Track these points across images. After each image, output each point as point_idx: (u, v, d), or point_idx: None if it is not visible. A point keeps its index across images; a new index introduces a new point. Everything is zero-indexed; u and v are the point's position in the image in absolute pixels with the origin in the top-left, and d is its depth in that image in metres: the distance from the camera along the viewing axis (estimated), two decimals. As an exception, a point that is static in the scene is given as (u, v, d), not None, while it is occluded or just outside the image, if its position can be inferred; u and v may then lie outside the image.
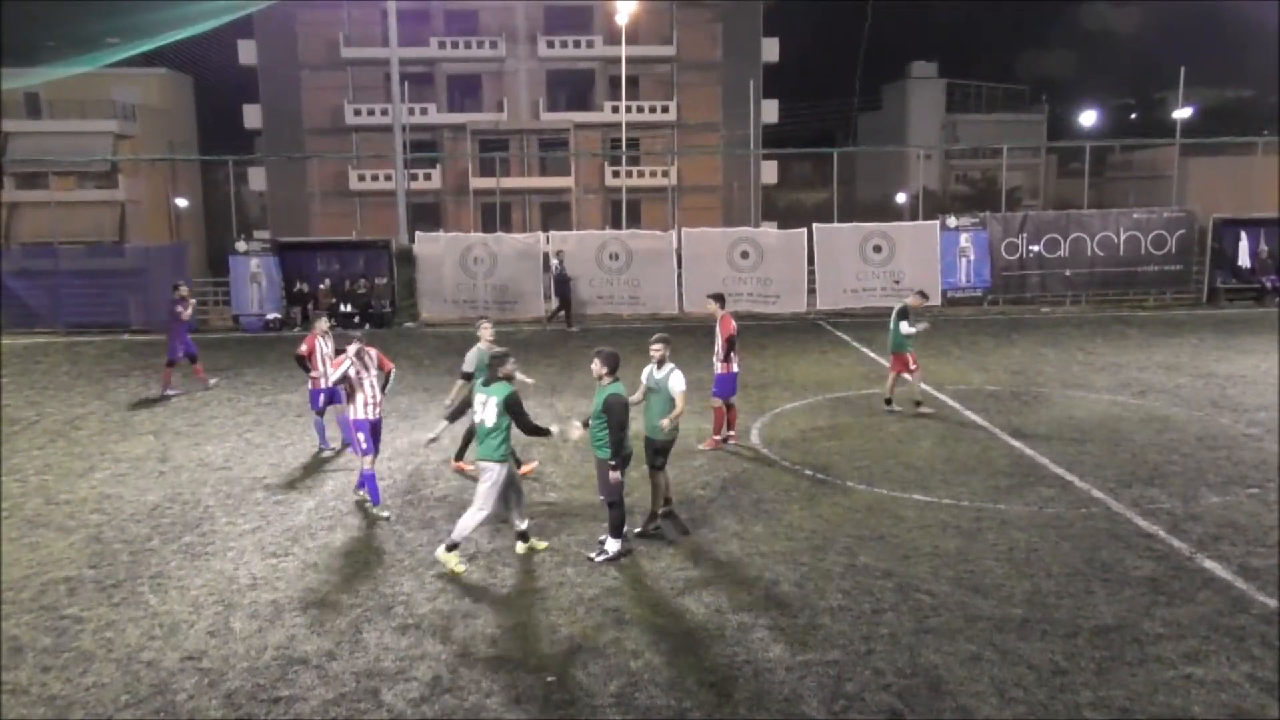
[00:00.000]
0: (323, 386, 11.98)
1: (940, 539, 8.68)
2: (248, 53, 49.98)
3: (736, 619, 7.15)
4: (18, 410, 15.21)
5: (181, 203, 53.24)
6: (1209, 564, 7.95)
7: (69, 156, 45.03)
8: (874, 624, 7.00)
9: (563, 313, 24.59)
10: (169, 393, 16.06)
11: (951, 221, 26.28)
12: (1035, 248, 25.95)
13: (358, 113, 49.78)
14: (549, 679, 6.32)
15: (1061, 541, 8.55)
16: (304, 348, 12.15)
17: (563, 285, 24.57)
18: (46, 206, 41.83)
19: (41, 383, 17.63)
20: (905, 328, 13.56)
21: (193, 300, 17.24)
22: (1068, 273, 26.07)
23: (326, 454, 12.17)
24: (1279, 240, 25.99)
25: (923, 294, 14.57)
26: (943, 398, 14.76)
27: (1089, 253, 25.97)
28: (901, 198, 52.89)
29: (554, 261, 24.85)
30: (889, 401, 13.97)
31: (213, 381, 16.87)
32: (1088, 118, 56.40)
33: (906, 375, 13.75)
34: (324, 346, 11.99)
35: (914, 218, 30.24)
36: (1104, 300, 26.48)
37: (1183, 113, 35.72)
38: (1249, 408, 13.58)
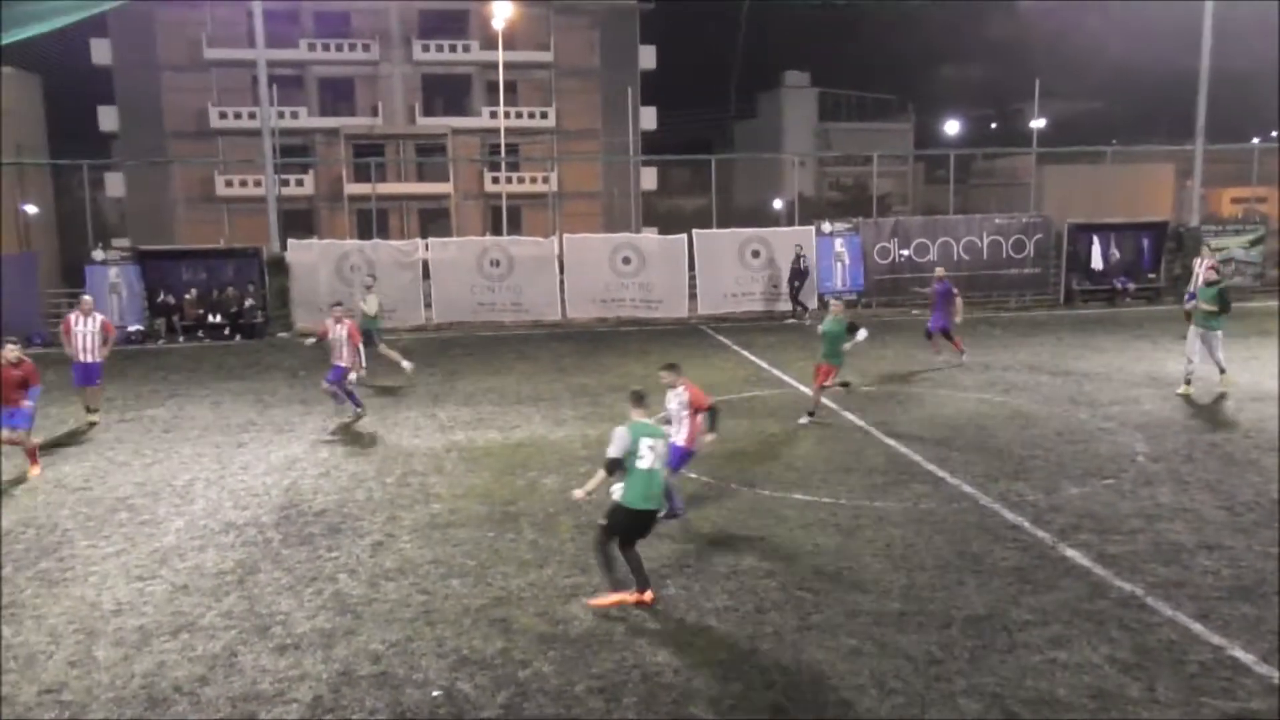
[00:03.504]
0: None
1: (821, 537, 8.91)
2: (101, 52, 47.45)
3: (624, 624, 7.17)
4: None
5: (31, 210, 50.11)
6: (1070, 552, 8.39)
7: (-103, 160, 41.83)
8: (758, 623, 7.12)
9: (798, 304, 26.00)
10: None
11: (826, 227, 27.04)
12: (906, 252, 26.92)
13: (223, 116, 47.95)
14: (435, 694, 6.20)
15: (935, 535, 8.88)
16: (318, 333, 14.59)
17: (801, 276, 25.71)
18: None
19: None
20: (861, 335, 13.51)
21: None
22: (936, 276, 27.12)
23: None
24: (1129, 244, 27.71)
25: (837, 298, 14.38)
26: (821, 399, 15.13)
27: (955, 256, 27.08)
28: (778, 203, 54.15)
29: (800, 255, 25.83)
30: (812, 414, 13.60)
31: None
32: (951, 127, 58.99)
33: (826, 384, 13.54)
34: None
35: (790, 223, 30.98)
36: (969, 302, 27.54)
37: (1038, 123, 37.68)
38: (1103, 403, 14.39)
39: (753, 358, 19.26)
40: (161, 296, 24.34)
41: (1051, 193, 38.58)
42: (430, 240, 26.76)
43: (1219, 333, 14.59)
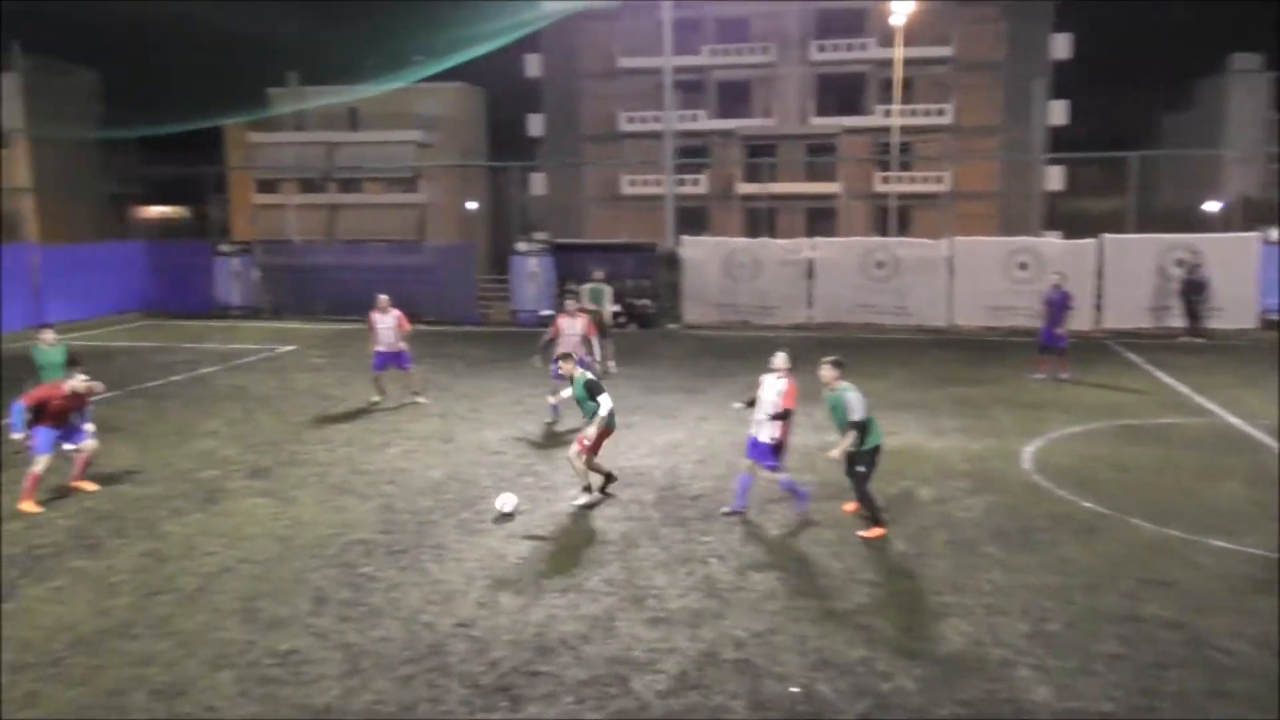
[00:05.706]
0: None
1: (1243, 592, 7.74)
2: (533, 66, 53.13)
3: (998, 653, 6.74)
4: (330, 388, 17.01)
5: (471, 206, 57.45)
6: None
7: (379, 164, 50.18)
8: (1157, 679, 6.36)
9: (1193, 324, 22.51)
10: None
11: (1274, 234, 23.43)
12: (1380, 265, 22.63)
13: (630, 120, 51.51)
14: (794, 690, 6.24)
15: (1399, 607, 7.38)
16: (551, 331, 14.78)
17: (1196, 289, 22.43)
18: (362, 208, 46.73)
19: (352, 365, 19.54)
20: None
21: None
22: None
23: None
24: None
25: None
26: (1255, 433, 13.19)
27: None
28: (1213, 206, 47.76)
29: (1187, 264, 22.62)
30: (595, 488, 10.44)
31: None
32: None
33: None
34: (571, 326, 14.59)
35: (1227, 229, 27.26)
36: None
37: None
38: None
39: (1169, 380, 17.19)
40: (569, 285, 26.73)
41: None
42: (816, 240, 26.88)
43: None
